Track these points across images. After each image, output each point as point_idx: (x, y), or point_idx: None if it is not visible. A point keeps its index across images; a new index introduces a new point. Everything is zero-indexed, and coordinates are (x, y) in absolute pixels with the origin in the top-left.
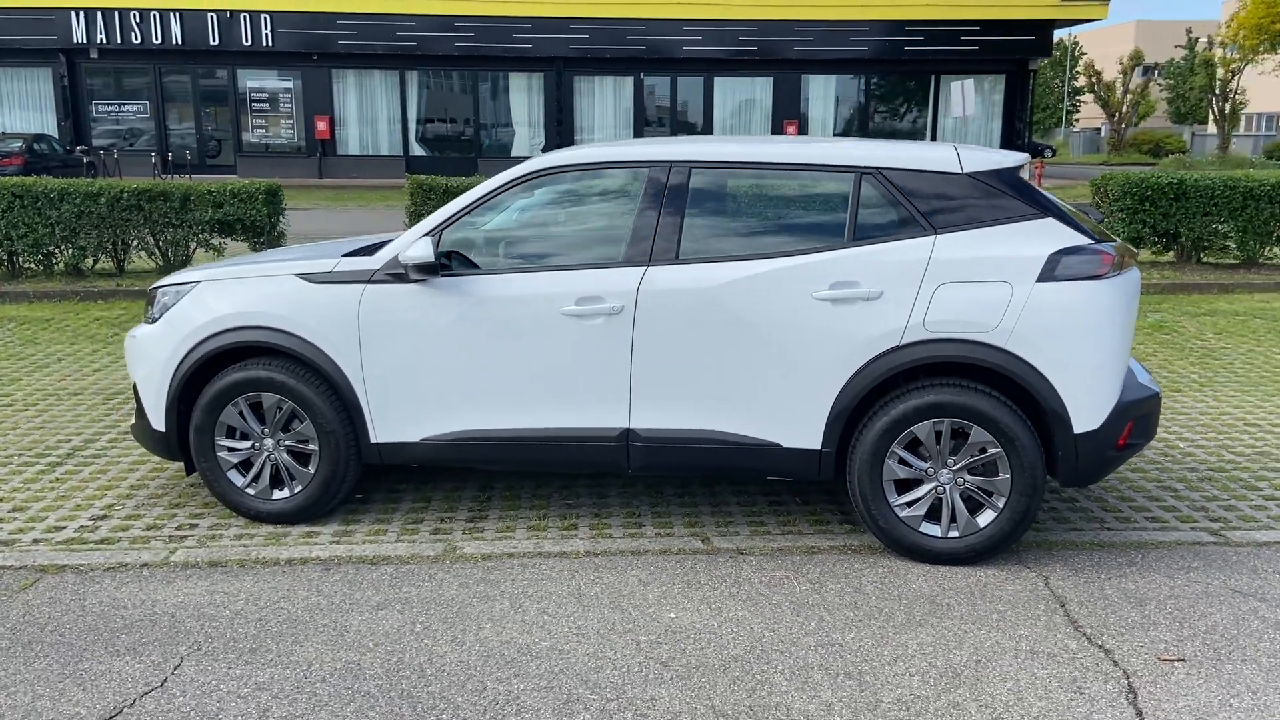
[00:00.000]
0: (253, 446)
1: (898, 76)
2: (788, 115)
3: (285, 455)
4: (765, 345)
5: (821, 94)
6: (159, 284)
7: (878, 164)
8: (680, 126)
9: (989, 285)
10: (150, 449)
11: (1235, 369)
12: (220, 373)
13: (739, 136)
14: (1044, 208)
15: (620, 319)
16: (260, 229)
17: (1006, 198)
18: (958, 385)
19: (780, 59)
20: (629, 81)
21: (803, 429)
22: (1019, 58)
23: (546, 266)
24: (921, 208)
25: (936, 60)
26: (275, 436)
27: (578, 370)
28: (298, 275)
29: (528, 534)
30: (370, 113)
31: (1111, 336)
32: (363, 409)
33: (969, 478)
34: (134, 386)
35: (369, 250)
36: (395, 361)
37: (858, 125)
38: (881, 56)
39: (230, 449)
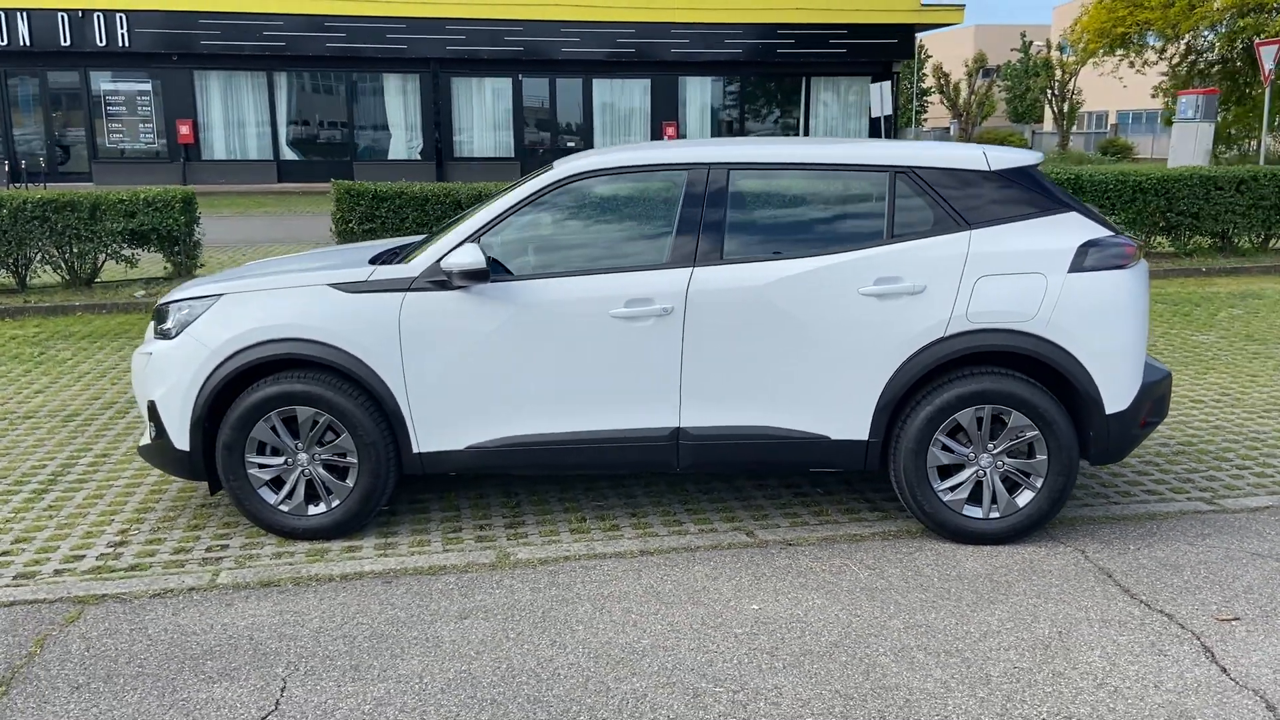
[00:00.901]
0: (285, 462)
1: (771, 78)
2: (666, 117)
3: (321, 470)
4: (813, 341)
5: (699, 95)
6: (173, 298)
7: (911, 163)
8: (560, 129)
9: (1025, 277)
10: (170, 470)
11: (1158, 352)
12: (249, 388)
13: (771, 138)
14: (1065, 202)
15: (670, 320)
16: (176, 239)
17: (1031, 193)
18: (997, 373)
19: (658, 61)
20: (508, 83)
21: (851, 421)
22: (884, 60)
23: (592, 270)
24: (955, 204)
25: (807, 63)
26: (310, 451)
27: (628, 371)
28: (331, 285)
29: (573, 537)
30: (237, 116)
31: (1136, 322)
32: (405, 419)
33: (1008, 460)
34: (150, 406)
35: (390, 257)
36: (439, 369)
37: (734, 126)
38: (755, 59)
39: (261, 465)
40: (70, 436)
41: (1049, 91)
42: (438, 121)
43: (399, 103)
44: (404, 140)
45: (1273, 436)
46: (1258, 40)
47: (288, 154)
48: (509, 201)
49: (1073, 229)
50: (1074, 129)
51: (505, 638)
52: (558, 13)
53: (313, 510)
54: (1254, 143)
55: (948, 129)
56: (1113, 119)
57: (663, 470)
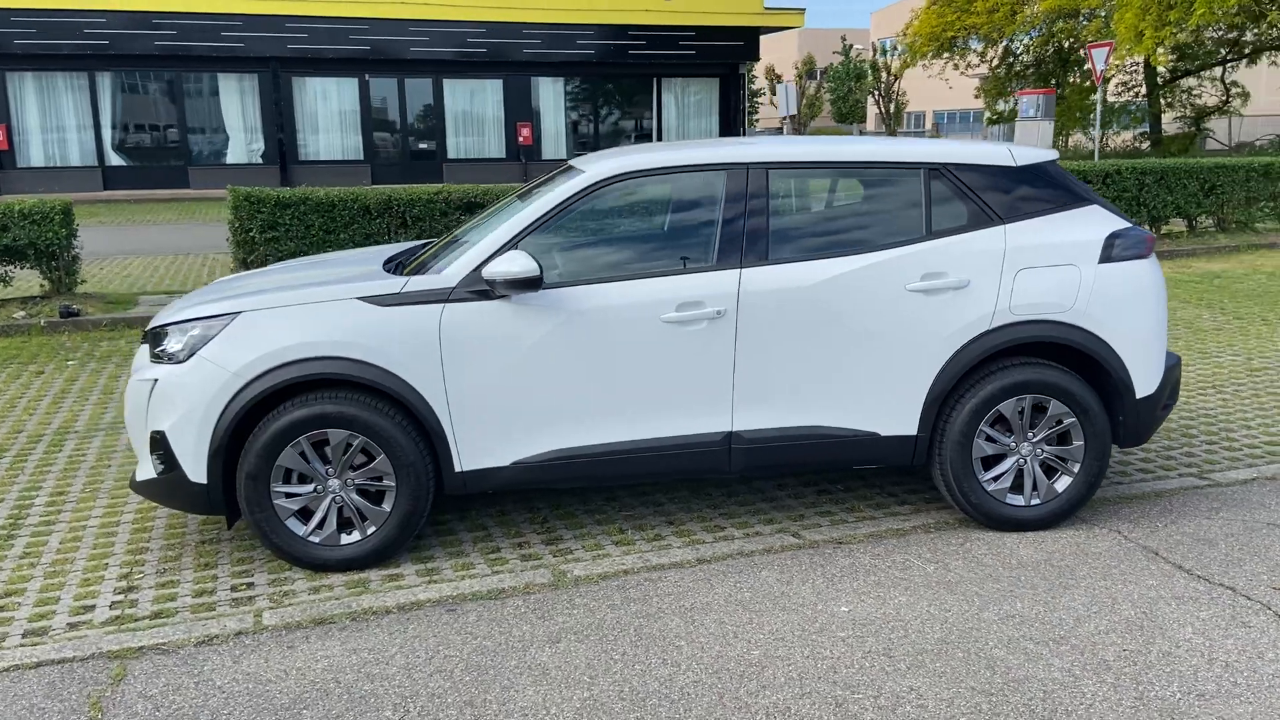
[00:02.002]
0: (315, 490)
1: (623, 79)
2: (520, 117)
3: (354, 495)
4: (863, 338)
5: (552, 96)
6: (176, 318)
7: (943, 160)
8: (411, 129)
9: (1061, 269)
10: (180, 505)
11: None
12: (274, 412)
13: (805, 137)
14: (1086, 196)
15: (723, 323)
16: (56, 253)
17: (1055, 188)
18: (1037, 363)
19: (510, 61)
20: (354, 83)
21: (900, 417)
22: (731, 62)
23: (638, 274)
24: (987, 200)
25: (658, 64)
26: (343, 476)
27: (680, 377)
28: (362, 299)
29: (620, 549)
30: (56, 120)
31: (1159, 309)
32: (446, 437)
33: (1047, 448)
34: (155, 437)
35: (400, 266)
36: (483, 383)
37: (588, 126)
38: (607, 60)
39: (289, 495)
40: (9, 477)
41: (875, 92)
42: (280, 123)
43: (237, 104)
44: (244, 143)
45: (1220, 412)
46: (1090, 43)
47: (114, 160)
48: (545, 206)
49: (1097, 221)
50: (902, 128)
51: (611, 659)
52: (405, 11)
53: (346, 539)
54: (1069, 139)
55: (780, 129)
56: (930, 119)
57: (714, 476)
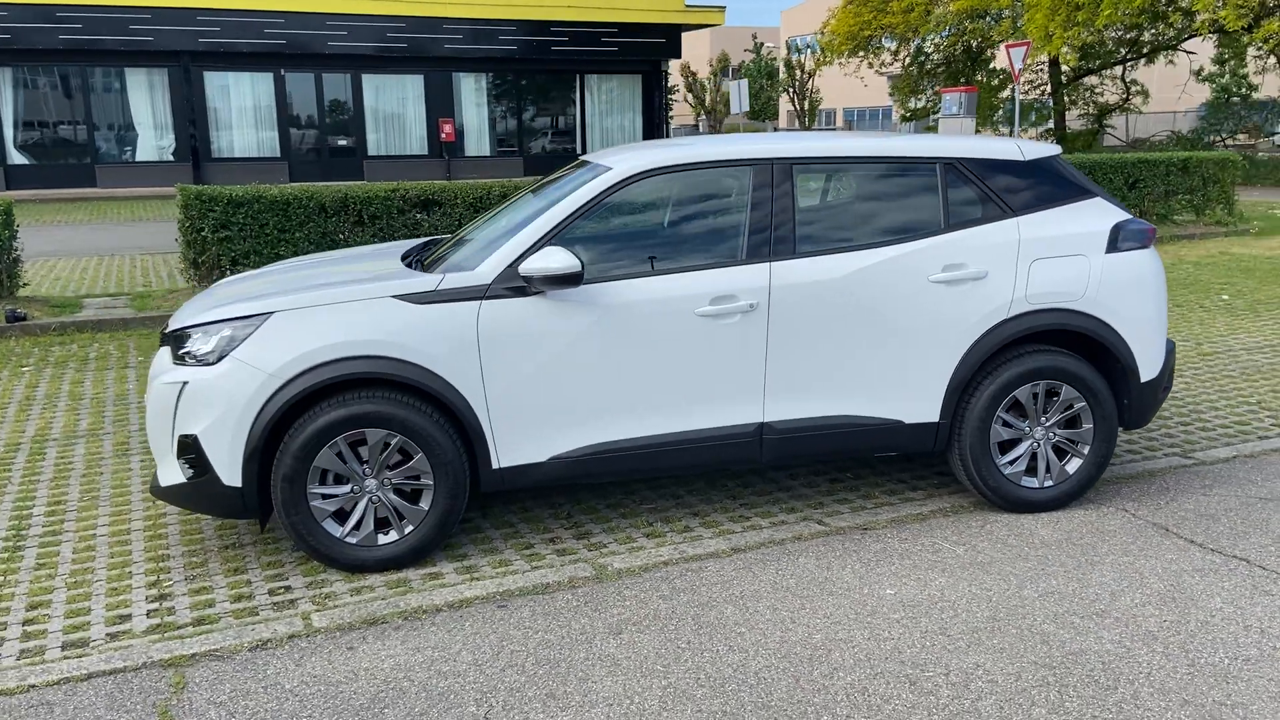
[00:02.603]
0: (352, 490)
1: (546, 75)
2: (442, 113)
3: (391, 495)
4: (889, 328)
5: (474, 92)
6: (201, 319)
7: (957, 155)
8: (329, 126)
9: (1071, 259)
10: (211, 510)
11: None
12: (310, 412)
13: (823, 132)
14: (1089, 189)
15: (755, 315)
16: None
17: (1060, 181)
18: (1050, 350)
19: (431, 57)
20: (269, 78)
21: (924, 404)
22: (653, 59)
23: (671, 269)
24: (1000, 193)
25: (581, 60)
26: (379, 476)
27: (713, 369)
28: (397, 297)
29: (653, 542)
30: None
31: (1161, 296)
32: (485, 434)
33: (1059, 432)
34: (185, 441)
35: (418, 262)
36: (521, 379)
37: (511, 123)
38: (530, 56)
39: (325, 496)
40: None
41: (790, 90)
42: (192, 119)
43: (146, 99)
44: (153, 140)
45: (1187, 396)
46: (1001, 43)
47: (16, 158)
48: (576, 201)
49: (1102, 213)
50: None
51: (679, 648)
52: (322, 4)
53: (383, 539)
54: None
55: (696, 126)
56: (840, 117)
57: (744, 466)
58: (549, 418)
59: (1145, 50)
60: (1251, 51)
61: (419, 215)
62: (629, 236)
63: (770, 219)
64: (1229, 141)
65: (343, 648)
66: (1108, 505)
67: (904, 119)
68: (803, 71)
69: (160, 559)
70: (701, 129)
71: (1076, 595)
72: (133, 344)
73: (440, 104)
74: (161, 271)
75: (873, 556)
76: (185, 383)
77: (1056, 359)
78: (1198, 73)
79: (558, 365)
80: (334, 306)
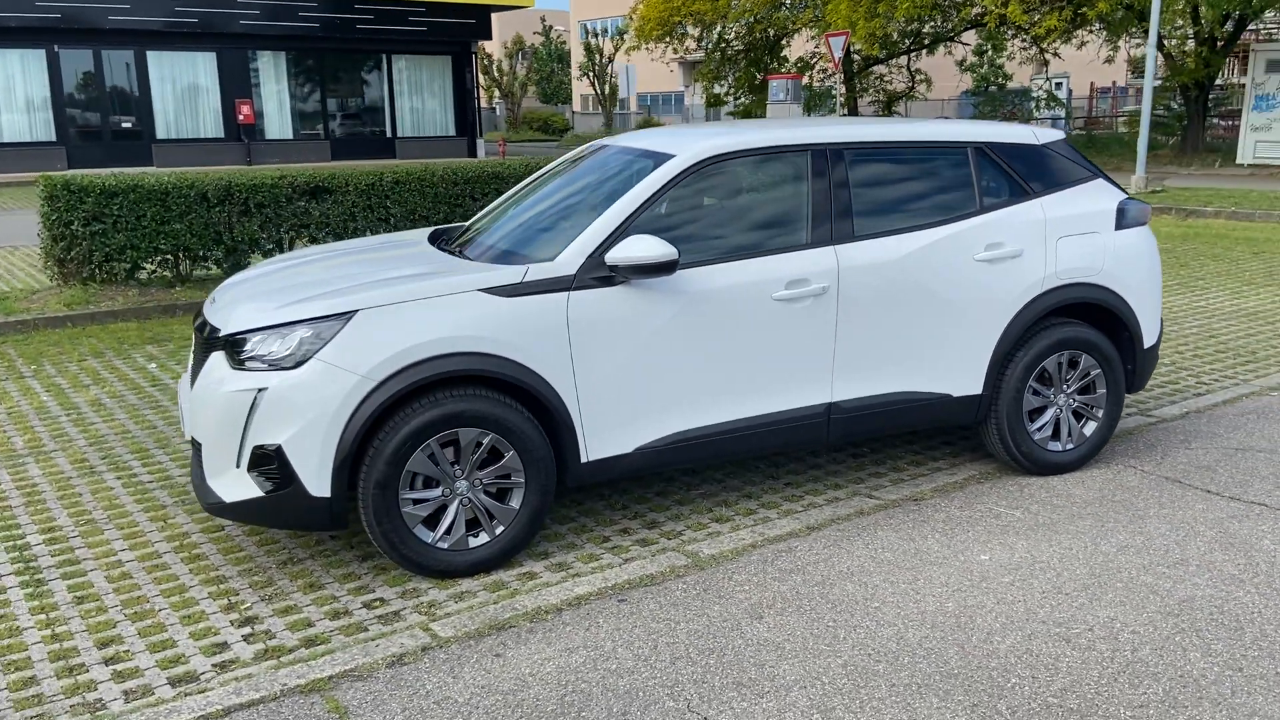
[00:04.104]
0: (443, 493)
1: (352, 55)
2: (239, 93)
3: (482, 495)
4: (942, 306)
5: (274, 71)
6: (270, 322)
7: (984, 139)
8: (113, 108)
9: (1089, 236)
10: (293, 524)
11: None
12: (401, 414)
13: (862, 119)
14: (1093, 171)
15: (826, 298)
16: None
17: (1070, 164)
18: (1073, 322)
19: (225, 33)
20: (40, 55)
21: (970, 378)
22: (463, 40)
23: (745, 255)
24: (1023, 176)
25: (388, 40)
26: (471, 477)
27: (788, 352)
28: (484, 290)
29: (727, 527)
30: None
31: (1158, 269)
32: (575, 427)
33: (1078, 398)
34: (265, 452)
35: (453, 247)
36: (610, 370)
37: (315, 104)
38: (333, 34)
39: (416, 501)
40: None
41: (590, 74)
42: None
43: None
44: None
45: None
46: (827, 33)
47: None
48: (650, 189)
49: (1107, 193)
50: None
51: (827, 626)
52: None
53: (474, 542)
54: None
55: (493, 109)
56: (634, 102)
57: (813, 447)
58: (636, 408)
59: (927, 41)
60: (1017, 43)
61: (308, 203)
62: (696, 223)
63: (830, 203)
64: None
65: (489, 655)
66: (1115, 464)
67: (709, 104)
68: (602, 56)
69: (216, 581)
70: (499, 113)
71: (1148, 547)
72: (13, 352)
73: (236, 84)
74: (17, 270)
75: (943, 525)
76: (261, 389)
77: (1079, 330)
78: (961, 63)
79: (644, 354)
80: (422, 302)
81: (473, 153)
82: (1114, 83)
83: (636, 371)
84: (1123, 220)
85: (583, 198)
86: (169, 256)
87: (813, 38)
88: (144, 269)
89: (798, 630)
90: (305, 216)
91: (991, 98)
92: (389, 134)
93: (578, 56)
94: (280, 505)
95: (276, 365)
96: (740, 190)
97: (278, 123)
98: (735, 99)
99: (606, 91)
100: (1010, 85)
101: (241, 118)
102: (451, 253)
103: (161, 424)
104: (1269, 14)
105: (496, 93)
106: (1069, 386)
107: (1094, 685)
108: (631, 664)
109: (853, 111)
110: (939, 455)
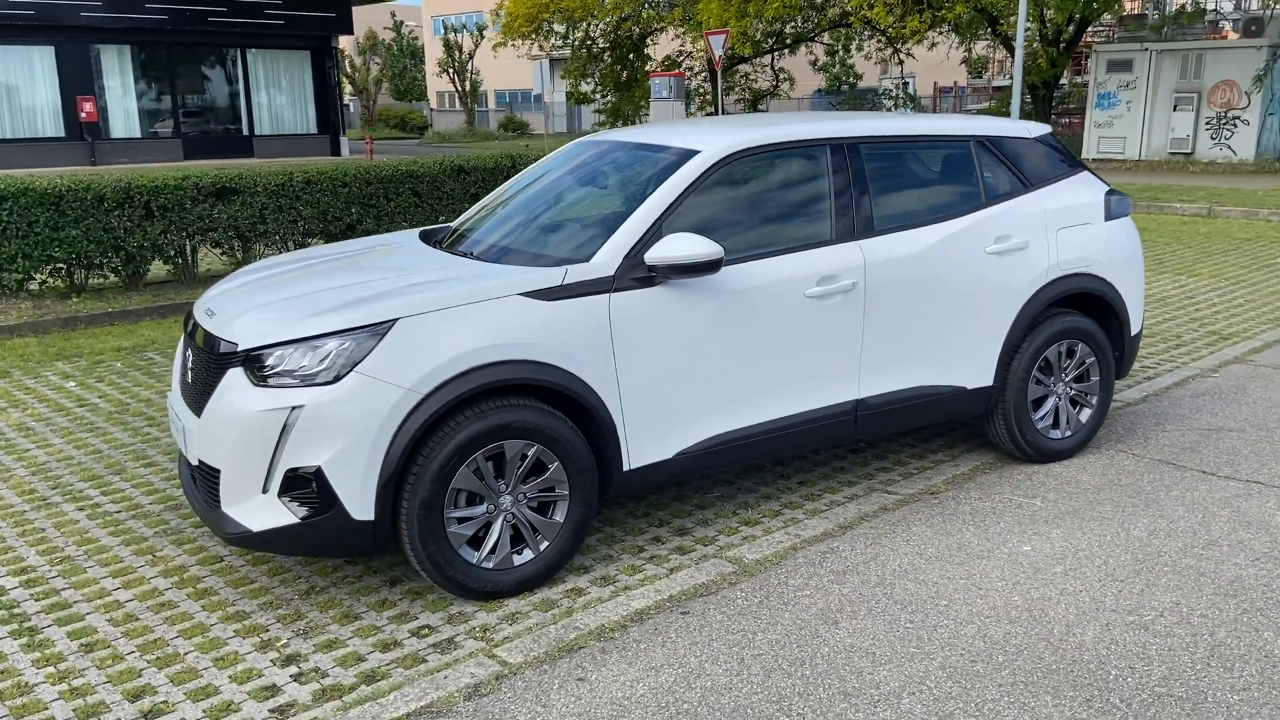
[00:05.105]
0: (487, 510)
1: (205, 49)
2: (80, 91)
3: (527, 510)
4: (957, 300)
5: (119, 66)
6: (301, 333)
7: (984, 133)
8: None
9: (1083, 228)
10: (329, 551)
11: None
12: (445, 428)
13: (868, 113)
14: (1078, 164)
15: (854, 294)
16: None
17: (1057, 157)
18: (1071, 312)
19: (65, 25)
20: None
21: (982, 370)
22: (323, 34)
23: (771, 252)
24: (1020, 168)
25: (243, 34)
26: (515, 491)
27: (819, 350)
28: (525, 294)
29: (759, 530)
30: None
31: (1141, 258)
32: (619, 435)
33: (1074, 386)
34: (302, 475)
35: (461, 249)
36: (651, 374)
37: (166, 101)
38: (184, 27)
39: (461, 520)
40: None
41: (450, 71)
42: None
43: None
44: None
45: None
46: (706, 31)
47: None
48: (676, 187)
49: (1094, 185)
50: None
51: (908, 628)
52: None
53: (518, 560)
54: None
55: (347, 106)
56: (492, 99)
57: (838, 445)
58: (676, 412)
59: (789, 41)
60: (874, 44)
61: (214, 205)
62: (722, 220)
63: (851, 198)
64: None
65: (570, 679)
66: (1105, 449)
67: (575, 101)
68: (461, 52)
69: (238, 617)
70: (353, 110)
71: (1175, 530)
72: None
73: (78, 80)
74: None
75: (971, 517)
76: (296, 408)
77: (1077, 320)
78: (814, 63)
79: (682, 356)
80: (464, 308)
81: (336, 151)
82: (955, 83)
83: (675, 374)
84: (1110, 211)
85: (599, 196)
86: (61, 265)
87: (678, 36)
88: (34, 279)
89: (879, 634)
90: (212, 220)
91: (853, 96)
92: (246, 132)
93: (433, 52)
94: (318, 532)
95: (310, 380)
96: (763, 185)
97: (124, 121)
98: (602, 97)
99: (467, 88)
100: (861, 85)
101: (84, 115)
102: (462, 255)
103: (107, 448)
104: (1106, 16)
105: (350, 89)
106: (1067, 375)
107: (1191, 672)
108: (725, 680)
109: (718, 110)
110: (935, 448)
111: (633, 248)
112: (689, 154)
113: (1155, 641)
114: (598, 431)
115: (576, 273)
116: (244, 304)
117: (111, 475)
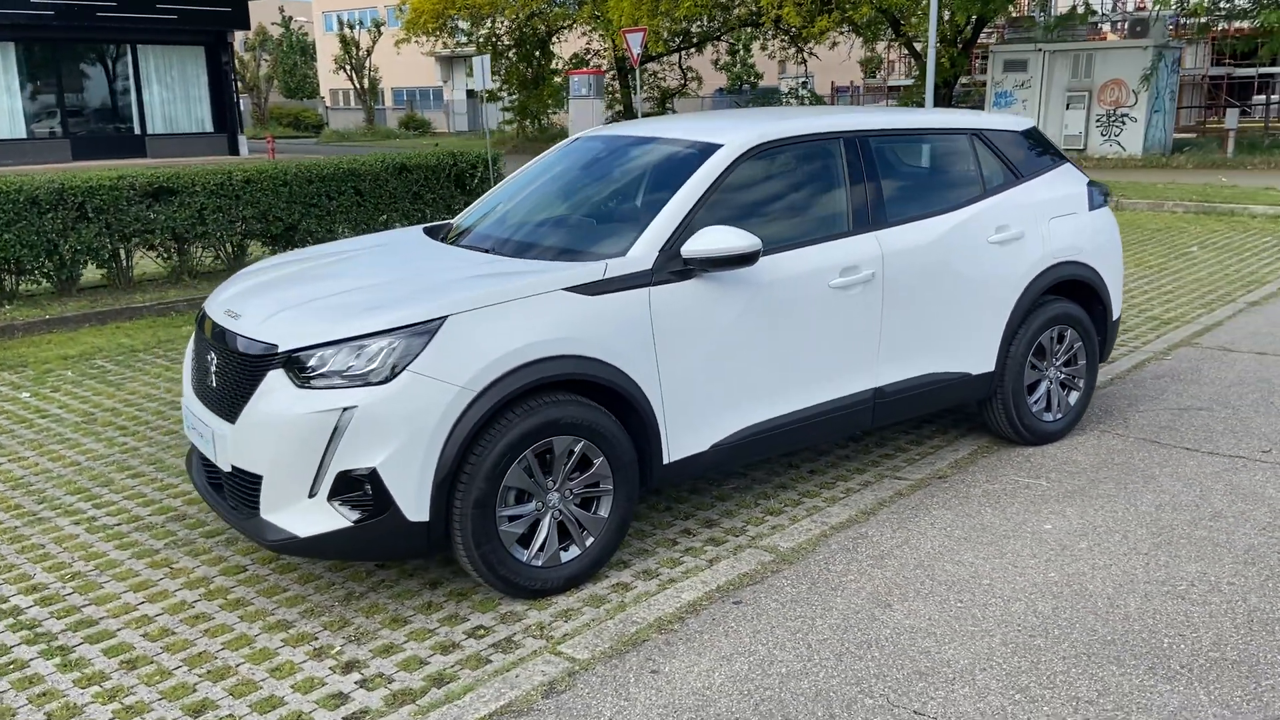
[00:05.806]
0: (535, 508)
1: (92, 46)
2: None
3: (574, 506)
4: (964, 288)
5: (0, 64)
6: (346, 333)
7: (979, 126)
8: None
9: (1071, 217)
10: (382, 555)
11: None
12: (497, 425)
13: (874, 107)
14: (1061, 155)
15: (873, 284)
16: None
17: (1045, 149)
18: (1062, 299)
19: None
20: None
21: (986, 356)
22: (218, 29)
23: (795, 244)
24: (1012, 160)
25: (134, 29)
26: (563, 488)
27: (842, 339)
28: (568, 289)
29: (785, 519)
30: None
31: (1120, 247)
32: (660, 428)
33: (1063, 370)
34: (355, 477)
35: (465, 243)
36: (688, 366)
37: (52, 99)
38: (70, 23)
39: (512, 518)
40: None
41: (347, 68)
42: None
43: None
44: None
45: None
46: (623, 29)
47: None
48: (703, 181)
49: (1076, 176)
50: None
51: (959, 608)
52: None
53: (565, 556)
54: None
55: (238, 103)
56: (390, 97)
57: (856, 433)
58: (711, 404)
59: (695, 40)
60: (778, 43)
61: (151, 207)
62: (747, 212)
63: (865, 190)
64: None
65: (645, 672)
66: (1090, 430)
67: (487, 98)
68: (359, 48)
69: (281, 626)
70: (243, 108)
71: (1178, 504)
72: None
73: None
74: None
75: (984, 499)
76: (348, 409)
77: (1067, 306)
78: (715, 62)
79: (718, 348)
80: (511, 304)
81: (234, 150)
82: (851, 82)
83: (711, 367)
84: (1093, 201)
85: (618, 190)
86: None
87: (585, 34)
88: None
89: (933, 615)
90: (149, 221)
91: (757, 94)
92: (138, 131)
93: (326, 48)
94: (371, 535)
95: (361, 381)
96: (783, 178)
97: (8, 122)
98: (509, 94)
99: (366, 85)
100: (761, 84)
101: None
102: (481, 251)
103: (84, 460)
104: (998, 18)
105: (240, 87)
106: (1058, 359)
107: (1238, 636)
108: (799, 666)
109: (628, 108)
110: (928, 432)
111: (667, 241)
112: (712, 147)
113: (1195, 610)
114: (639, 425)
115: (616, 267)
116: (272, 304)
117: (98, 487)
